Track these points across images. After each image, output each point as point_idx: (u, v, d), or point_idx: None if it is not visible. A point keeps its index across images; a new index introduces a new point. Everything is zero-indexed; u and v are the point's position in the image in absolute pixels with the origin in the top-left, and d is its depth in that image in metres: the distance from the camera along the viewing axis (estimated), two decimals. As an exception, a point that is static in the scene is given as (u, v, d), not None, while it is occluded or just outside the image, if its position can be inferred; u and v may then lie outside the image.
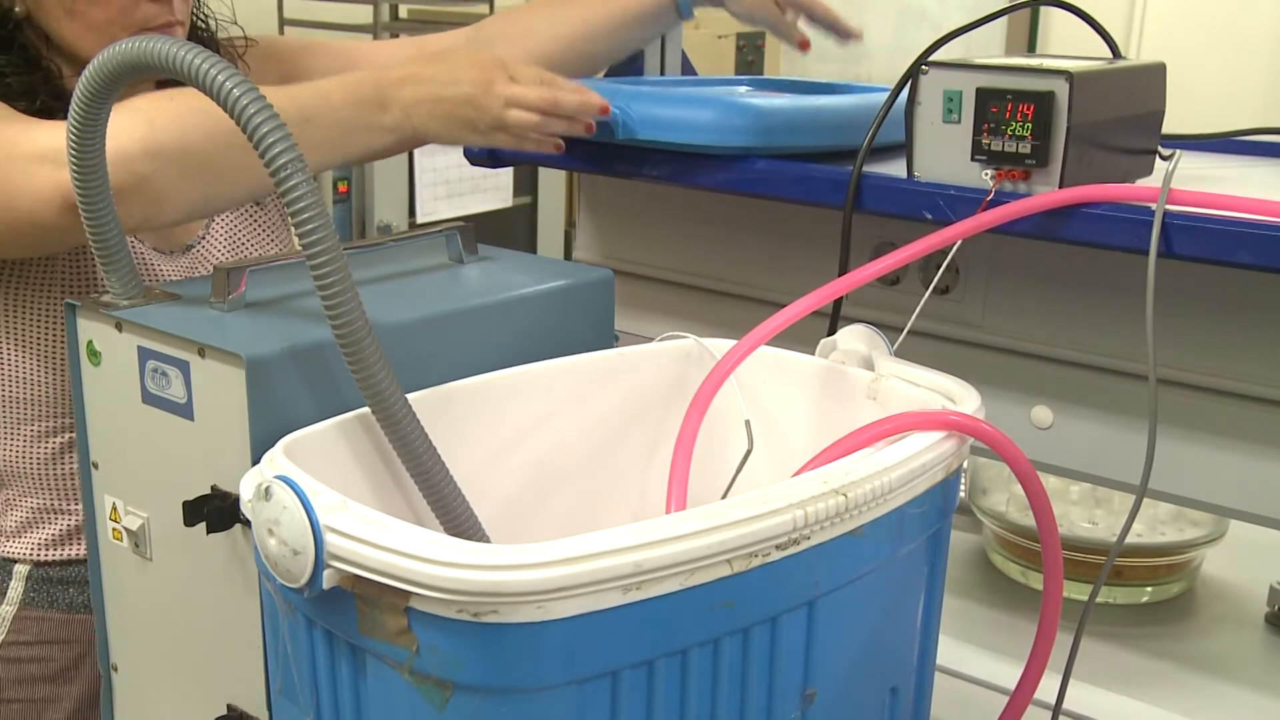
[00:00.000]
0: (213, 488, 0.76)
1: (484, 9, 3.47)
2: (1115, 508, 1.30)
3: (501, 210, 3.30)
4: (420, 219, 3.03)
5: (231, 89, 0.68)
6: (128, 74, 0.73)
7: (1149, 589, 1.24)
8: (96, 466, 0.84)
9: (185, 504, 0.74)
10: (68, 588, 1.07)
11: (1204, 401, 0.98)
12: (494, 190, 3.23)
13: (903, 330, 0.93)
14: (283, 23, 3.32)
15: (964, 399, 0.79)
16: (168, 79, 0.73)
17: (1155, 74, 1.03)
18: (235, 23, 1.19)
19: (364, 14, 3.28)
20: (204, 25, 1.16)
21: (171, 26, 1.04)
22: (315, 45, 1.23)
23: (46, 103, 1.01)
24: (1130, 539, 1.17)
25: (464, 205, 3.14)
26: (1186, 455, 0.98)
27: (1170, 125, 1.06)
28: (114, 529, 0.84)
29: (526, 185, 3.37)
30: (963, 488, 1.34)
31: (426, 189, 3.03)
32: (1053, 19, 3.93)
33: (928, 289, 0.99)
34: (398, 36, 3.52)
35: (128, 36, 0.98)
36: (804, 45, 1.22)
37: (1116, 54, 1.08)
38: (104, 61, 0.73)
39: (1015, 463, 0.75)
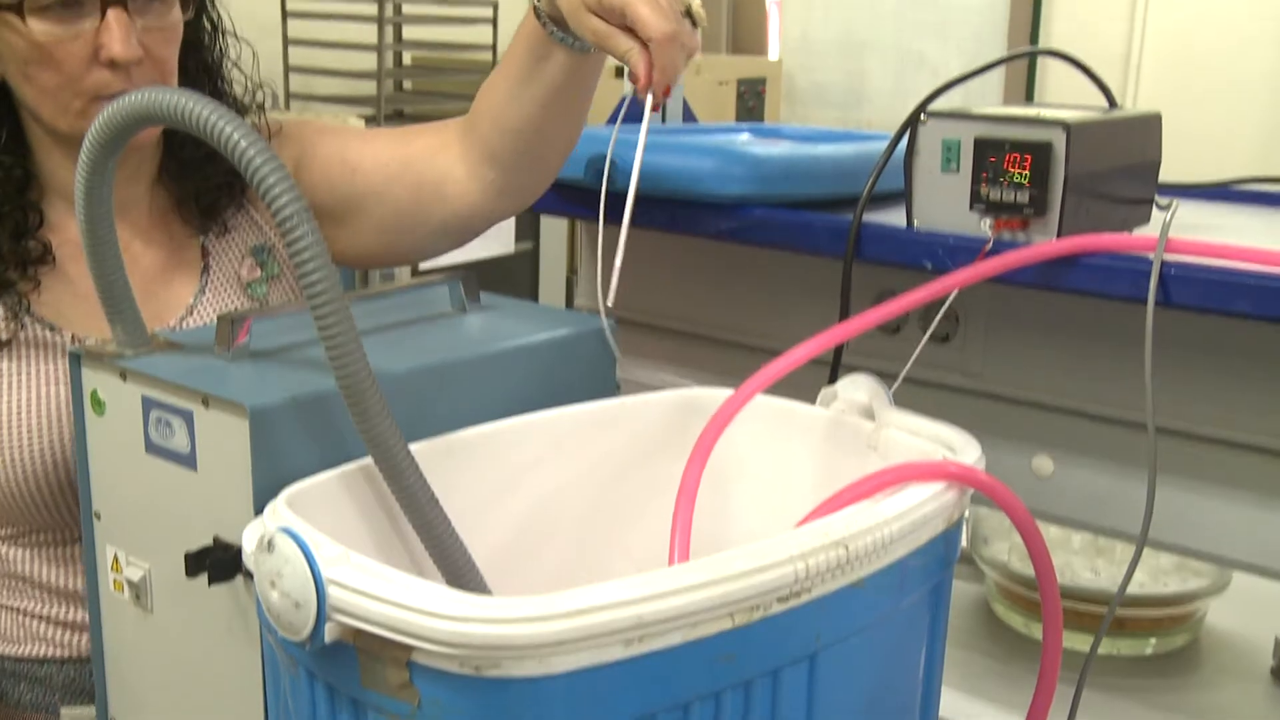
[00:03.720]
0: (215, 538, 0.76)
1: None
2: (1117, 557, 1.29)
3: (504, 256, 3.31)
4: (422, 264, 3.04)
5: (239, 140, 0.69)
6: (137, 125, 0.73)
7: (1153, 640, 1.23)
8: (98, 517, 0.84)
9: (187, 555, 0.74)
10: (18, 682, 1.06)
11: (1205, 451, 0.98)
12: (496, 236, 3.24)
13: (902, 378, 0.93)
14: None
15: (964, 449, 0.79)
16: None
17: (1151, 124, 1.04)
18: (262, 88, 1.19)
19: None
20: (231, 94, 1.16)
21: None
22: (325, 129, 1.21)
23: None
24: (1133, 589, 1.17)
25: (466, 251, 3.14)
26: (1188, 505, 0.98)
27: (1167, 173, 1.07)
28: (115, 580, 0.84)
29: (529, 231, 3.39)
30: (964, 537, 1.33)
31: (429, 234, 3.04)
32: (1050, 67, 3.97)
33: (926, 337, 0.99)
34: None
35: (81, 103, 1.00)
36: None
37: (1113, 104, 1.09)
38: (114, 112, 0.73)
39: (1015, 514, 0.75)
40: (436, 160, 1.14)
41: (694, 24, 0.92)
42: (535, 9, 1.00)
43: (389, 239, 1.17)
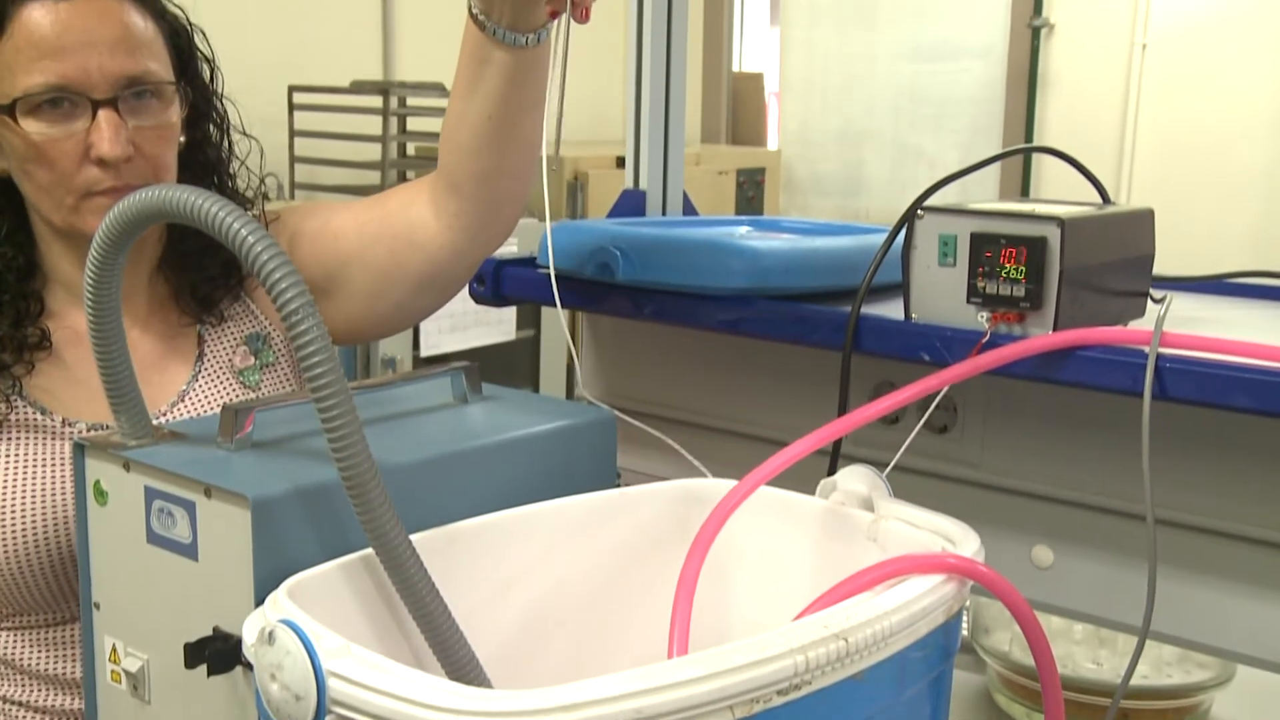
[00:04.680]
0: (215, 629, 0.76)
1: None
2: (1120, 648, 1.29)
3: (505, 343, 3.33)
4: (424, 352, 3.06)
5: (246, 236, 0.70)
6: (147, 221, 0.75)
7: (1157, 732, 1.22)
8: (98, 607, 0.84)
9: (187, 646, 0.74)
10: None
11: (1205, 543, 0.98)
12: (497, 324, 3.26)
13: (900, 468, 0.93)
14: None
15: (963, 541, 0.79)
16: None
17: (1144, 219, 1.05)
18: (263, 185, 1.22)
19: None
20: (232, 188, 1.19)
21: (118, 191, 1.03)
22: (314, 208, 1.24)
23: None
24: (1136, 681, 1.16)
25: (468, 339, 3.17)
26: (1188, 597, 0.98)
27: (1161, 266, 1.09)
28: (113, 671, 0.83)
29: (529, 319, 3.41)
30: (965, 626, 1.33)
31: (430, 322, 3.06)
32: (1046, 159, 4.02)
33: (922, 428, 1.00)
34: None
35: (73, 199, 1.03)
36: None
37: (1106, 199, 1.11)
38: (124, 209, 0.75)
39: (1014, 606, 0.75)
40: (409, 212, 1.16)
41: None
42: (470, 11, 1.02)
43: (373, 303, 1.19)
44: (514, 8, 1.00)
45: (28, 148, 1.02)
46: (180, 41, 1.12)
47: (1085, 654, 1.29)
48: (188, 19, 1.13)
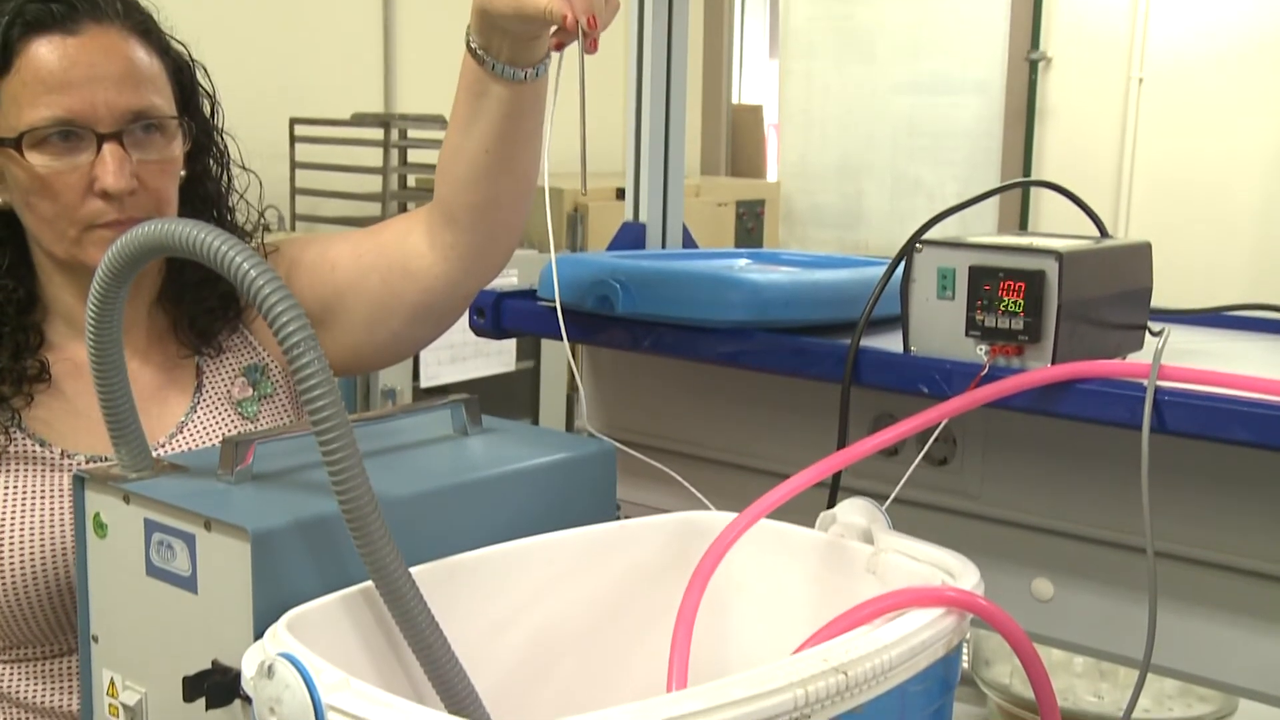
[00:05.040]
0: (214, 662, 0.76)
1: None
2: (1120, 681, 1.28)
3: (505, 374, 3.33)
4: (424, 383, 3.06)
5: (249, 270, 0.71)
6: (150, 254, 0.75)
7: (1158, 766, 1.22)
8: (96, 640, 0.84)
9: (186, 679, 0.74)
10: None
11: (1206, 576, 0.98)
12: (497, 355, 3.26)
13: (900, 500, 0.93)
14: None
15: (963, 574, 0.79)
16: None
17: (1142, 252, 1.06)
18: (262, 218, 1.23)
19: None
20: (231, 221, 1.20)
21: (120, 224, 1.03)
22: (311, 239, 1.25)
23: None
24: (1137, 714, 1.15)
25: (467, 370, 3.17)
26: (1190, 630, 0.98)
27: (1159, 299, 1.09)
28: (110, 705, 0.83)
29: (530, 350, 3.41)
30: (965, 659, 1.32)
31: (430, 353, 3.06)
32: (1043, 193, 4.04)
33: (922, 461, 1.00)
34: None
35: (75, 231, 1.04)
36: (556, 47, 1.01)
37: (1104, 233, 1.12)
38: (127, 242, 0.75)
39: (1014, 639, 0.75)
40: (405, 242, 1.16)
41: None
42: (469, 46, 1.02)
43: (370, 333, 1.19)
44: (513, 43, 1.00)
45: (32, 180, 1.03)
46: (183, 77, 1.13)
47: (1086, 687, 1.29)
48: (190, 55, 1.14)
